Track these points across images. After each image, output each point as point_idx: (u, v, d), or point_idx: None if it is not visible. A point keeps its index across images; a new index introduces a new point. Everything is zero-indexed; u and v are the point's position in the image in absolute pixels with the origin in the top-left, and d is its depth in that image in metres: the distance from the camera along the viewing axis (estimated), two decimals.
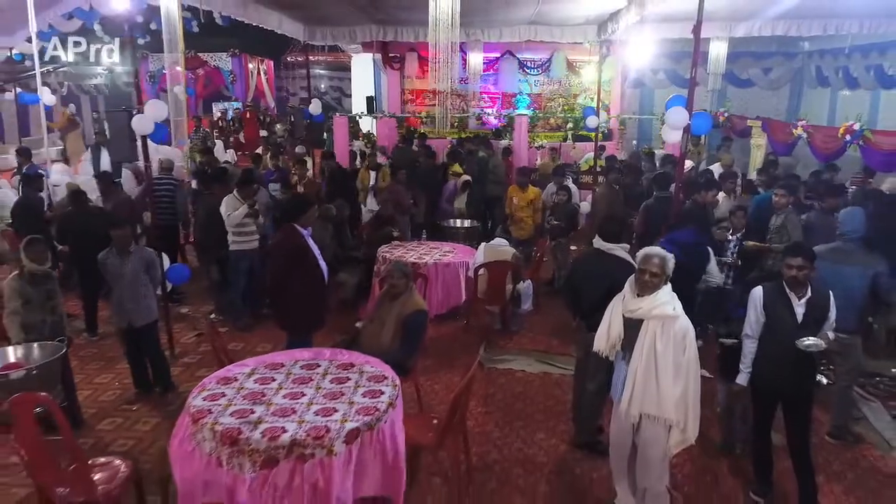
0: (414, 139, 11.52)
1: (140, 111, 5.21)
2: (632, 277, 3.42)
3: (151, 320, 4.94)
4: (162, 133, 5.36)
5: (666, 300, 3.26)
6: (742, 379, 3.69)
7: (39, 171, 8.15)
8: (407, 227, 8.12)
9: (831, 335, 3.55)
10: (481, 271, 6.22)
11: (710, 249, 5.10)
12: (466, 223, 8.63)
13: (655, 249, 3.37)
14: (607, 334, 3.43)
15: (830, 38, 10.48)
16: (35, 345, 4.16)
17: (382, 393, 3.48)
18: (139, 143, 5.57)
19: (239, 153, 14.54)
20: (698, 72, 5.24)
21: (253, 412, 3.27)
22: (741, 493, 3.85)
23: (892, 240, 4.74)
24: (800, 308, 3.47)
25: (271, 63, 21.34)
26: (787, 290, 3.50)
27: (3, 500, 3.77)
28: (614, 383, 3.56)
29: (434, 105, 12.86)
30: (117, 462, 3.40)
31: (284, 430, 3.09)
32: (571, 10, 8.31)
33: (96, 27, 12.80)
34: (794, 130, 8.52)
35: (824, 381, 5.11)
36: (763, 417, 3.75)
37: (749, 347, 3.65)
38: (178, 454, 3.21)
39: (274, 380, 3.67)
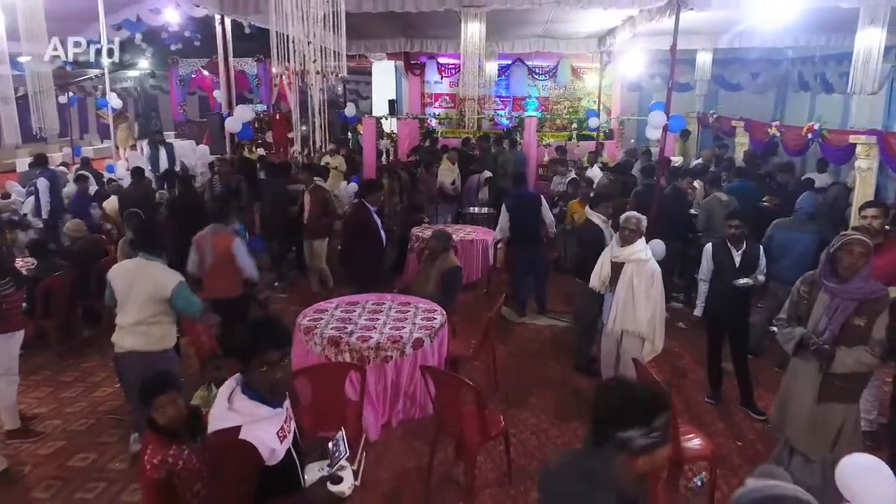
0: (433, 139, 12.90)
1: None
2: (617, 233, 4.75)
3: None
4: (247, 131, 6.69)
5: (640, 248, 4.58)
6: (698, 311, 5.01)
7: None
8: (435, 212, 9.44)
9: (761, 278, 4.86)
10: (500, 245, 7.55)
11: (541, 196, 7.05)
12: (485, 210, 9.95)
13: (632, 213, 4.69)
14: (599, 274, 4.76)
15: (810, 47, 11.70)
16: None
17: (435, 319, 4.82)
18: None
19: (266, 151, 15.90)
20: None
21: (346, 328, 4.61)
22: (700, 397, 5.16)
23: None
24: (738, 257, 4.78)
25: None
26: (729, 245, 4.81)
27: None
28: (605, 312, 4.87)
29: (452, 107, 14.26)
30: None
31: (371, 337, 4.43)
32: (575, 27, 9.63)
33: (137, 35, 14.19)
34: (769, 130, 9.82)
35: (774, 329, 6.39)
36: (714, 342, 5.04)
37: (702, 288, 4.97)
38: (297, 354, 4.55)
39: (354, 311, 5.01)
